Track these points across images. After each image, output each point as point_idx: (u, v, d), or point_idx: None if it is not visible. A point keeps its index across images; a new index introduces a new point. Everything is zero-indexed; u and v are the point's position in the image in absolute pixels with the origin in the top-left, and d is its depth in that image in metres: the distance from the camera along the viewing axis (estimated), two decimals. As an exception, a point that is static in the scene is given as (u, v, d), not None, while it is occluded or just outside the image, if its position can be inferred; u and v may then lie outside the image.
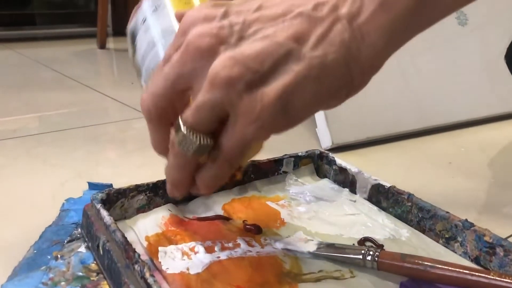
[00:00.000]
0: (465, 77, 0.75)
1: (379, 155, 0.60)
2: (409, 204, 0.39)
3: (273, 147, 0.61)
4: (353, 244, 0.36)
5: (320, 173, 0.49)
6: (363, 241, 0.36)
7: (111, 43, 1.75)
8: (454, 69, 0.74)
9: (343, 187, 0.46)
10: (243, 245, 0.35)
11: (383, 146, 0.64)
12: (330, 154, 0.48)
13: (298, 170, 0.48)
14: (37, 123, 0.74)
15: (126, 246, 0.31)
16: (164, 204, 0.41)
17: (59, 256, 0.36)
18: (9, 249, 0.38)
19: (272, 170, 0.47)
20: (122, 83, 1.09)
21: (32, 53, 1.50)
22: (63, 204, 0.44)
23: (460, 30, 0.76)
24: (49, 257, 0.36)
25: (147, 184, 0.40)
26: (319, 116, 0.62)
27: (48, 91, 0.97)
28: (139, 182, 0.49)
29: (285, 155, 0.48)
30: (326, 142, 0.61)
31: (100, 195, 0.38)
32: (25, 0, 2.05)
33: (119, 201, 0.39)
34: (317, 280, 0.32)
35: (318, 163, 0.49)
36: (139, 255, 0.30)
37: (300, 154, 0.48)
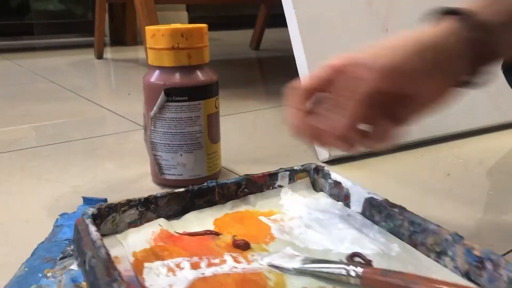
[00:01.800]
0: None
1: (377, 167, 0.60)
2: (401, 217, 0.38)
3: (270, 160, 0.61)
4: (340, 259, 0.36)
5: (317, 187, 0.48)
6: (351, 256, 0.36)
7: (108, 53, 1.75)
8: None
9: (338, 200, 0.45)
10: (229, 261, 0.35)
11: (380, 158, 0.63)
12: (326, 168, 0.47)
13: (294, 184, 0.47)
14: (33, 136, 0.74)
15: (108, 264, 0.31)
16: (156, 219, 0.41)
17: (50, 274, 0.35)
18: (1, 267, 0.38)
19: (267, 184, 0.47)
20: (119, 94, 1.09)
21: (29, 63, 1.50)
22: (57, 219, 0.44)
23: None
24: (40, 275, 0.35)
25: (139, 199, 0.40)
26: (316, 128, 0.61)
27: (45, 103, 0.97)
28: (137, 196, 0.49)
29: (280, 169, 0.47)
30: (323, 154, 0.61)
31: (91, 209, 0.38)
32: (23, 10, 2.06)
33: (110, 215, 0.39)
34: (300, 297, 0.32)
35: (314, 177, 0.48)
36: (119, 273, 0.30)
37: (295, 168, 0.48)
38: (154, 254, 0.36)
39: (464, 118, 0.73)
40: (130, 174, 0.57)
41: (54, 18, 2.15)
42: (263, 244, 0.38)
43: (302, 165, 0.48)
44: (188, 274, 0.34)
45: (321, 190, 0.47)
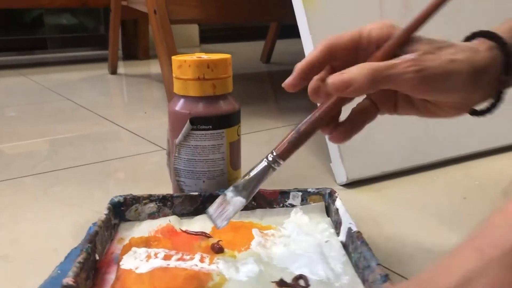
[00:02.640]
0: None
1: (394, 190, 0.61)
2: (360, 251, 0.39)
3: (287, 183, 0.62)
4: (281, 278, 0.37)
5: (329, 212, 0.48)
6: (297, 278, 0.38)
7: (121, 67, 1.77)
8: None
9: (336, 227, 0.45)
10: (195, 260, 0.39)
11: (397, 180, 0.64)
12: (336, 193, 0.48)
13: (307, 206, 0.48)
14: (54, 158, 0.75)
15: (90, 237, 0.39)
16: (171, 214, 0.48)
17: None
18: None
19: (278, 201, 0.49)
20: (136, 113, 1.10)
21: (44, 79, 1.52)
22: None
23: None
24: None
25: (158, 196, 0.48)
26: (333, 151, 0.62)
27: (63, 122, 0.99)
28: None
29: (294, 188, 0.49)
30: (341, 177, 0.62)
31: (118, 198, 0.47)
32: (37, 25, 2.09)
33: (134, 205, 0.47)
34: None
35: (328, 202, 0.49)
36: (89, 247, 0.38)
37: (309, 190, 0.49)
38: (146, 242, 0.42)
39: (479, 138, 0.73)
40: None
41: (67, 32, 2.18)
42: (236, 251, 0.42)
43: (317, 189, 0.49)
44: (155, 262, 0.38)
45: (331, 216, 0.48)
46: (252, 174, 0.39)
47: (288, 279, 0.37)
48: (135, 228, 0.45)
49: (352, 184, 0.62)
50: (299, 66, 0.36)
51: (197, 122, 0.50)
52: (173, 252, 0.40)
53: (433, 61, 0.32)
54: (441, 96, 0.35)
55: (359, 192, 0.60)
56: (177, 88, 0.51)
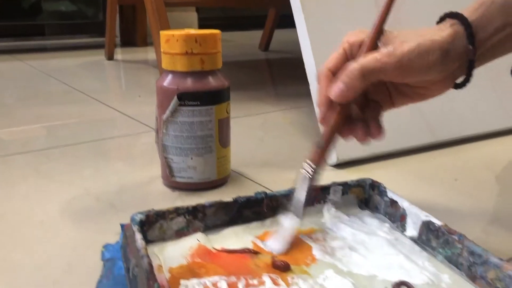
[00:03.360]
0: (471, 92, 0.75)
1: (384, 172, 0.61)
2: (460, 246, 0.36)
3: (280, 164, 0.61)
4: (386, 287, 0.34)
5: (371, 204, 0.46)
6: (398, 285, 0.34)
7: (119, 54, 1.76)
8: (460, 83, 0.74)
9: (393, 221, 0.43)
10: (268, 283, 0.34)
11: (388, 162, 0.64)
12: (382, 184, 0.45)
13: (337, 202, 0.46)
14: (46, 137, 0.75)
15: (149, 275, 0.31)
16: (203, 228, 0.41)
17: None
18: (17, 269, 0.39)
19: (318, 198, 0.45)
20: (130, 96, 1.10)
21: (41, 64, 1.52)
22: (103, 252, 0.41)
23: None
24: None
25: (187, 207, 0.41)
26: (325, 132, 0.62)
27: (57, 104, 0.99)
28: (148, 198, 0.49)
29: (333, 182, 0.46)
30: (331, 158, 0.61)
31: (139, 216, 0.38)
32: (35, 11, 2.08)
33: (158, 222, 0.40)
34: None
35: (369, 193, 0.46)
36: (158, 285, 0.30)
37: (349, 182, 0.46)
38: (190, 270, 0.36)
39: (472, 122, 0.73)
40: (141, 176, 0.58)
41: (65, 19, 2.17)
42: (304, 265, 0.37)
43: (357, 180, 0.47)
44: None
45: (376, 208, 0.46)
46: (299, 193, 0.41)
47: None
48: (162, 255, 0.38)
49: (342, 165, 0.62)
50: (318, 103, 0.42)
51: (185, 98, 0.50)
52: (233, 278, 0.35)
53: (406, 48, 0.37)
54: (421, 75, 0.38)
55: (349, 173, 0.60)
56: (165, 63, 0.51)
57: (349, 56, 0.41)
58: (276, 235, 0.40)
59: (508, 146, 0.71)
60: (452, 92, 0.72)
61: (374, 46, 0.40)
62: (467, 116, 0.73)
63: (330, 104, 0.41)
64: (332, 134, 0.41)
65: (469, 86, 0.74)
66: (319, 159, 0.41)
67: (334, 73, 0.40)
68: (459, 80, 0.41)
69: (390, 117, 0.67)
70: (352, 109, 0.42)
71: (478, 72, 0.75)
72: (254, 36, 2.03)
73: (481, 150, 0.69)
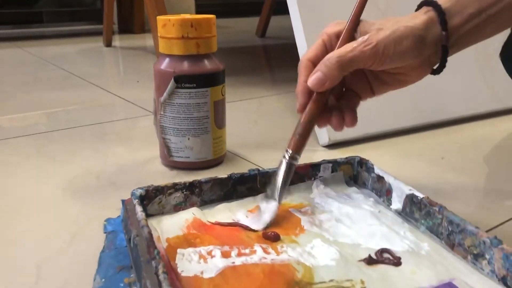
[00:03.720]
0: (461, 74, 0.77)
1: (375, 152, 0.63)
2: (440, 216, 0.38)
3: (273, 145, 0.63)
4: (369, 254, 0.36)
5: (359, 181, 0.49)
6: (380, 252, 0.37)
7: (117, 40, 1.78)
8: (450, 66, 0.76)
9: (380, 195, 0.46)
10: (259, 252, 0.36)
11: (379, 142, 0.66)
12: (370, 162, 0.48)
13: (327, 178, 0.48)
14: (46, 121, 0.77)
15: (149, 242, 0.33)
16: (200, 203, 0.44)
17: (131, 282, 0.35)
18: (22, 242, 0.41)
19: (309, 175, 0.48)
20: (128, 81, 1.12)
21: (40, 51, 1.53)
22: (105, 225, 0.43)
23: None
24: (122, 284, 0.35)
25: (184, 183, 0.43)
26: (317, 114, 0.64)
27: (56, 90, 1.00)
28: (147, 176, 0.51)
29: (323, 160, 0.49)
30: (323, 139, 0.64)
31: (139, 191, 0.41)
32: (32, -1, 2.09)
33: (157, 197, 0.42)
34: (326, 290, 0.33)
35: (358, 170, 0.49)
36: (158, 252, 0.32)
37: (339, 160, 0.49)
38: (186, 241, 0.38)
39: (461, 104, 0.75)
40: (140, 157, 0.60)
41: (63, 6, 2.18)
42: (293, 236, 0.39)
43: (346, 158, 0.49)
44: (218, 262, 0.35)
45: (364, 184, 0.48)
46: (278, 178, 0.42)
47: (371, 255, 0.36)
48: (159, 228, 0.40)
49: (334, 146, 0.64)
50: (297, 92, 0.43)
51: (182, 81, 0.52)
52: (226, 247, 0.37)
53: (381, 35, 0.38)
54: (397, 61, 0.40)
55: (341, 153, 0.62)
56: (161, 47, 0.53)
57: (328, 47, 0.42)
58: (255, 215, 0.42)
59: (496, 128, 0.73)
60: (441, 74, 0.75)
61: (351, 36, 0.41)
62: (456, 98, 0.75)
63: (308, 93, 0.42)
64: (309, 123, 0.42)
65: (458, 68, 0.76)
66: (298, 147, 0.42)
67: (314, 63, 0.41)
68: (436, 65, 0.42)
69: (380, 100, 0.69)
70: (328, 99, 0.43)
71: (467, 55, 0.77)
72: (251, 23, 2.04)
73: (470, 131, 0.71)
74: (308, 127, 0.42)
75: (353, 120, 0.43)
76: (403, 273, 0.34)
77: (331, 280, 0.33)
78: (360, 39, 0.39)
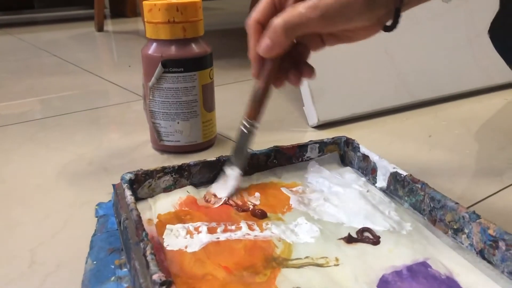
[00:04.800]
0: (449, 52, 0.77)
1: (363, 131, 0.64)
2: (422, 193, 0.40)
3: (263, 126, 0.64)
4: (349, 233, 0.37)
5: (346, 160, 0.50)
6: (361, 231, 0.38)
7: (109, 25, 1.77)
8: (438, 44, 0.77)
9: (365, 174, 0.47)
10: (244, 228, 0.38)
11: (367, 122, 0.67)
12: (356, 141, 0.49)
13: (323, 158, 0.49)
14: (39, 108, 0.78)
15: (138, 225, 0.34)
16: (188, 185, 0.44)
17: (122, 264, 0.36)
18: (16, 227, 0.42)
19: (297, 156, 0.49)
20: (120, 67, 1.12)
21: (31, 37, 1.53)
22: (96, 209, 0.44)
23: (444, 5, 0.78)
24: (112, 266, 0.36)
25: (173, 166, 0.44)
26: (306, 94, 0.65)
27: (49, 76, 1.01)
28: (138, 161, 0.52)
29: (310, 141, 0.49)
30: (312, 119, 0.64)
31: (128, 175, 0.42)
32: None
33: (147, 181, 0.43)
34: (300, 266, 0.34)
35: (344, 150, 0.50)
36: (146, 234, 0.33)
37: (325, 140, 0.49)
38: (177, 217, 0.39)
39: (450, 82, 0.76)
40: (132, 142, 0.61)
41: (54, -9, 2.17)
42: (280, 213, 0.40)
43: (333, 138, 0.50)
44: (204, 237, 0.36)
45: (350, 163, 0.49)
46: (236, 145, 0.43)
47: (352, 234, 0.37)
48: (155, 205, 0.42)
49: (323, 126, 0.65)
50: (250, 58, 0.42)
51: (169, 65, 0.52)
52: (213, 224, 0.38)
53: (329, 0, 0.36)
54: (348, 25, 0.38)
55: (330, 133, 0.63)
56: (148, 32, 0.53)
57: (277, 5, 0.40)
58: (220, 183, 0.44)
59: (485, 105, 0.74)
60: (429, 52, 0.75)
61: None
62: (444, 75, 0.76)
63: (261, 58, 0.41)
64: (266, 88, 0.42)
65: (446, 46, 0.77)
66: (255, 113, 0.43)
67: (263, 25, 0.40)
68: (388, 23, 0.40)
69: (368, 79, 0.71)
70: (282, 60, 0.42)
71: (456, 32, 0.78)
72: (244, 3, 2.03)
73: (458, 108, 0.72)
74: (264, 93, 0.42)
75: (311, 72, 0.42)
76: (380, 252, 0.35)
77: (307, 257, 0.35)
78: (307, 3, 0.37)
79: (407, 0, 0.37)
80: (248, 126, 0.43)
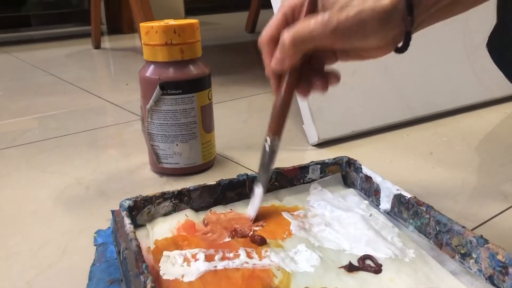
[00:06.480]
0: (448, 66, 0.77)
1: (364, 149, 0.63)
2: (427, 216, 0.39)
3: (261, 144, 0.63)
4: (350, 261, 0.36)
5: (348, 181, 0.49)
6: (363, 259, 0.37)
7: (106, 42, 1.77)
8: (437, 58, 0.77)
9: (368, 195, 0.46)
10: (242, 256, 0.37)
11: (367, 139, 0.66)
12: (358, 162, 0.48)
13: (325, 180, 0.48)
14: (37, 129, 0.77)
15: (138, 256, 0.34)
16: (187, 209, 0.44)
17: None
18: (12, 257, 0.41)
19: (298, 178, 0.48)
20: (118, 85, 1.12)
21: (28, 56, 1.53)
22: (95, 237, 0.43)
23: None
24: None
25: (173, 192, 0.43)
26: (305, 113, 0.64)
27: (46, 96, 1.00)
28: (137, 184, 0.51)
29: (311, 162, 0.48)
30: (312, 138, 0.64)
31: (127, 202, 0.41)
32: (20, 2, 2.07)
33: (146, 207, 0.42)
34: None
35: (346, 170, 0.49)
36: (146, 266, 0.32)
37: (326, 161, 0.49)
38: (174, 243, 0.38)
39: (448, 97, 0.75)
40: (130, 164, 0.60)
41: (50, 8, 2.17)
42: (280, 240, 0.39)
43: (334, 158, 0.49)
44: (201, 265, 0.35)
45: (353, 184, 0.48)
46: (260, 163, 0.43)
47: (353, 262, 0.36)
48: (152, 231, 0.41)
49: (323, 144, 0.64)
50: (267, 74, 0.42)
51: (167, 87, 0.52)
52: (211, 251, 0.37)
53: (343, 15, 0.35)
54: (359, 44, 0.37)
55: (331, 151, 0.62)
56: (146, 54, 0.53)
57: (289, 20, 0.39)
58: (252, 203, 0.43)
59: (485, 119, 0.73)
60: (428, 67, 0.75)
61: (313, 8, 0.37)
62: (443, 90, 0.75)
63: (278, 74, 0.40)
64: (285, 103, 0.41)
65: (445, 60, 0.76)
66: (277, 129, 0.42)
67: (276, 40, 0.39)
68: (399, 44, 0.39)
69: (368, 96, 0.70)
70: (301, 72, 0.41)
71: (454, 46, 0.78)
72: (241, 18, 2.03)
73: (458, 123, 0.72)
74: (283, 107, 0.41)
75: (336, 77, 0.41)
76: (380, 281, 0.34)
77: None
78: (319, 17, 0.36)
79: (420, 21, 0.37)
80: (270, 143, 0.42)
